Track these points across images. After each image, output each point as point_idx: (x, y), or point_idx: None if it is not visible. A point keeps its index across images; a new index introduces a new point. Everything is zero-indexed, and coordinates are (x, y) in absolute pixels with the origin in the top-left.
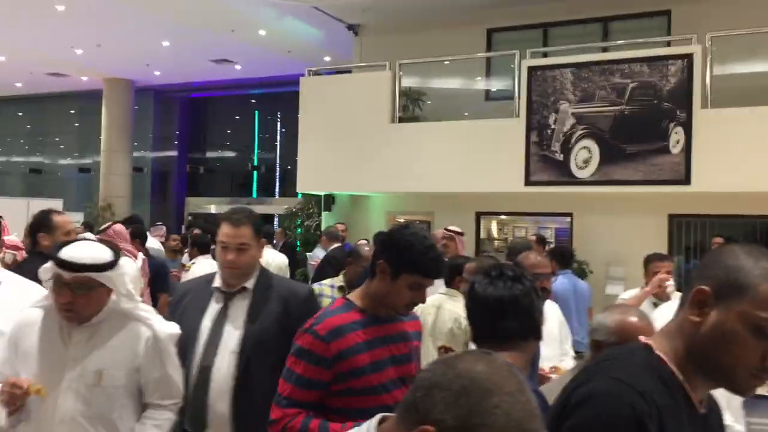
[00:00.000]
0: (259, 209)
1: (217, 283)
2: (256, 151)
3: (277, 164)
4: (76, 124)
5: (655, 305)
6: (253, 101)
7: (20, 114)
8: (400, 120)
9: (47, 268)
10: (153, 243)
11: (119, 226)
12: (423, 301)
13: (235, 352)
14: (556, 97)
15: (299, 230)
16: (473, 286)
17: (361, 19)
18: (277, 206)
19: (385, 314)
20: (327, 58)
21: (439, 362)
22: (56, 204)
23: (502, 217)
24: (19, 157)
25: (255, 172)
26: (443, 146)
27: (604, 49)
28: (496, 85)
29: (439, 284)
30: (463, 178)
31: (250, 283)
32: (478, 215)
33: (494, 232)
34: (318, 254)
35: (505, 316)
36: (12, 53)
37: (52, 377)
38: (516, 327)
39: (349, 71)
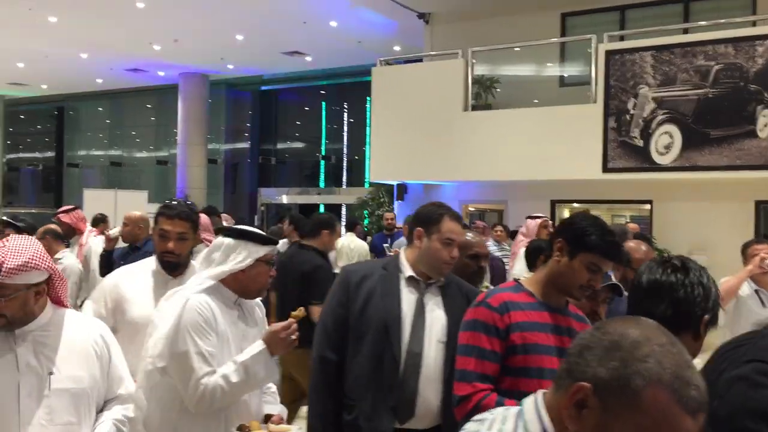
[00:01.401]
0: (327, 199)
1: (409, 272)
2: (323, 142)
3: (345, 155)
4: (153, 118)
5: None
6: (322, 92)
7: (100, 109)
8: (473, 108)
9: None
10: None
11: (204, 217)
12: (597, 286)
13: (442, 341)
14: (636, 82)
15: (366, 220)
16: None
17: (431, 8)
18: (344, 196)
19: (556, 303)
20: (397, 48)
21: (587, 330)
22: (142, 195)
23: (577, 205)
24: (99, 151)
25: (323, 163)
26: (517, 134)
27: (685, 31)
28: (570, 70)
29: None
30: (537, 165)
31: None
32: (553, 203)
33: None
34: (401, 243)
35: (657, 302)
36: (94, 50)
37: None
38: (668, 314)
39: (420, 60)
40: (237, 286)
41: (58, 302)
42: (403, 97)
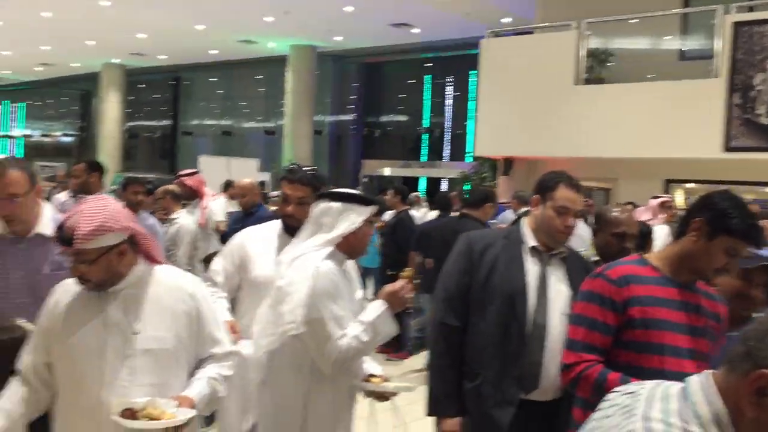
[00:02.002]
0: (429, 173)
1: (532, 242)
2: (426, 114)
3: (447, 128)
4: (262, 89)
5: None
6: (426, 65)
7: (213, 80)
8: (585, 82)
9: None
10: None
11: None
12: (735, 270)
13: (565, 314)
14: (765, 56)
15: (467, 195)
16: None
17: None
18: (445, 170)
19: (685, 280)
20: (505, 20)
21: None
22: (253, 163)
23: (693, 185)
24: (211, 120)
25: (425, 136)
26: (630, 109)
27: None
28: (691, 43)
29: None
30: (650, 142)
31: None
32: (667, 182)
33: (682, 202)
34: (507, 217)
35: None
36: (209, 22)
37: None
38: None
39: (530, 32)
40: (346, 247)
41: (150, 259)
42: (512, 70)
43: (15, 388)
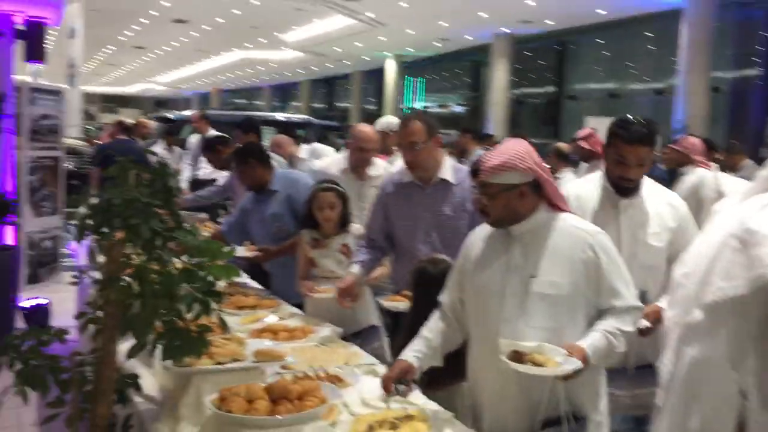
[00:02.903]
0: None
1: None
2: None
3: None
4: (652, 47)
5: None
6: None
7: (599, 41)
8: None
9: None
10: None
11: (695, 139)
12: None
13: None
14: None
15: None
16: None
17: None
18: None
19: None
20: None
21: None
22: None
23: None
24: (596, 84)
25: None
26: None
27: None
28: None
29: None
30: None
31: None
32: None
33: None
34: None
35: None
36: None
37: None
38: None
39: None
40: None
41: (554, 206)
42: None
43: (435, 320)
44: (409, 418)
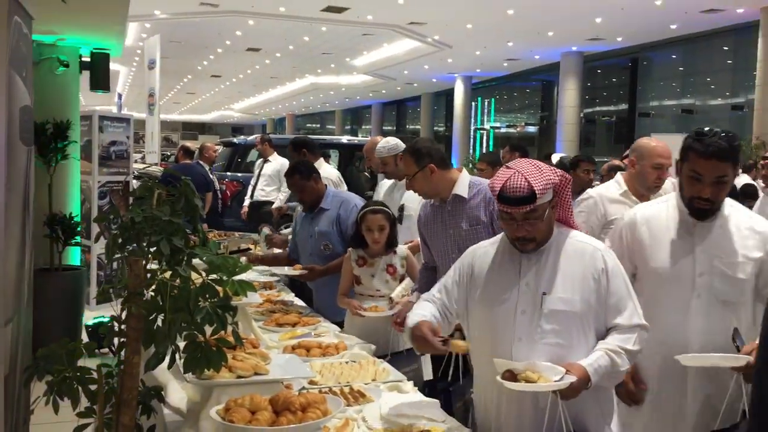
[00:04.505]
0: None
1: None
2: None
3: None
4: (729, 61)
5: None
6: None
7: (673, 56)
8: None
9: None
10: None
11: None
12: None
13: None
14: None
15: None
16: None
17: None
18: None
19: None
20: None
21: None
22: None
23: None
24: (671, 100)
25: None
26: None
27: None
28: None
29: None
30: None
31: None
32: None
33: None
34: None
35: None
36: None
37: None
38: None
39: None
40: None
41: (565, 222)
42: None
43: (431, 308)
44: None
